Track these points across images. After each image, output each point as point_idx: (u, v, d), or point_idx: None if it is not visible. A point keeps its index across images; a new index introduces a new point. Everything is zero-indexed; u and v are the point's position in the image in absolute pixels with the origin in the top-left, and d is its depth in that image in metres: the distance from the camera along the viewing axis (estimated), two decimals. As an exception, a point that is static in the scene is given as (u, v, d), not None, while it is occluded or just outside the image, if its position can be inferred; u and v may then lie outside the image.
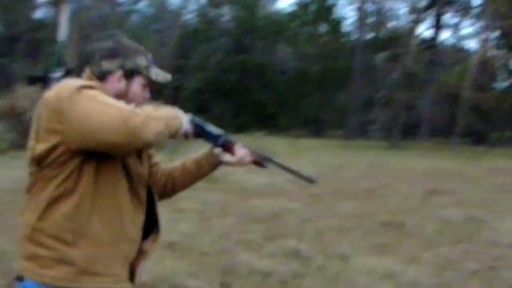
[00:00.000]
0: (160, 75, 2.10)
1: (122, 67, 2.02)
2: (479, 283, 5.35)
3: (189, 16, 38.28)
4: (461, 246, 6.73)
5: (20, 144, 13.81)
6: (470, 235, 7.35)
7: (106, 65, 2.01)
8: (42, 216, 1.89)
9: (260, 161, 2.24)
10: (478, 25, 33.82)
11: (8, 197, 7.66)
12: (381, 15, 37.24)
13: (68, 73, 19.92)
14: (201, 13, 36.81)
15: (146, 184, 2.12)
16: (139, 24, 37.47)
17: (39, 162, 1.89)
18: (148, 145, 1.88)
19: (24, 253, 1.94)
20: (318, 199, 9.75)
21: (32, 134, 1.93)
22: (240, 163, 2.21)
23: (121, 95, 1.96)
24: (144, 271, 2.17)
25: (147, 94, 2.10)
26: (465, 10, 35.55)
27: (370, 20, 38.04)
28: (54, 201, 1.88)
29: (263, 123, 29.45)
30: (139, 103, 1.99)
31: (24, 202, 1.99)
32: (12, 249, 5.08)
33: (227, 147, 2.18)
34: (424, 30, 33.67)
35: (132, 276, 2.10)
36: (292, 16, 37.72)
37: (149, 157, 2.25)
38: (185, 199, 7.17)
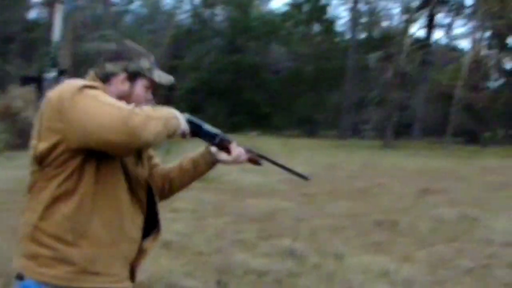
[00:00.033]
0: (163, 77, 2.13)
1: (125, 69, 2.04)
2: (473, 281, 5.38)
3: (183, 16, 38.24)
4: (455, 244, 6.77)
5: (14, 144, 13.80)
6: (463, 233, 7.39)
7: (110, 67, 2.04)
8: (43, 215, 1.91)
9: (255, 159, 2.28)
10: (470, 25, 34.00)
11: (3, 197, 7.66)
12: (374, 15, 37.31)
13: (62, 74, 19.90)
14: (195, 13, 36.78)
15: (145, 185, 2.14)
16: (133, 24, 37.39)
17: (40, 161, 1.91)
18: (148, 144, 1.90)
19: (25, 252, 1.95)
20: (312, 198, 9.79)
21: (34, 133, 1.95)
22: (236, 161, 2.24)
23: (124, 97, 1.98)
24: (140, 271, 2.19)
25: (149, 96, 2.12)
26: (457, 10, 35.72)
27: (363, 20, 38.11)
28: (55, 201, 1.90)
29: (256, 123, 29.50)
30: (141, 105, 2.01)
31: (23, 202, 2.00)
32: (8, 249, 5.07)
33: (223, 146, 2.21)
34: (417, 30, 33.84)
35: (132, 275, 2.12)
36: (285, 16, 37.72)
37: (150, 158, 2.27)
38: (180, 199, 7.16)
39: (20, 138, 14.14)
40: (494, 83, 33.08)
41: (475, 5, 31.12)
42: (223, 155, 2.24)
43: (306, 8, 38.09)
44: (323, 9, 38.16)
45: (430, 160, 18.20)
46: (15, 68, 27.54)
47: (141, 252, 2.13)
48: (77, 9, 25.13)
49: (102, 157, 1.89)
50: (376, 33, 37.57)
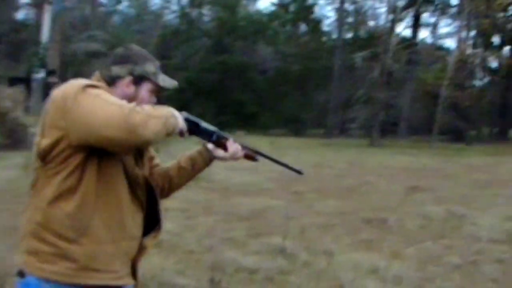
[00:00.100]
0: (167, 81, 2.17)
1: (131, 73, 2.08)
2: (462, 277, 5.45)
3: (170, 16, 38.22)
4: (443, 241, 6.84)
5: (3, 145, 13.73)
6: (451, 230, 7.47)
7: (116, 70, 2.08)
8: (45, 213, 1.93)
9: (251, 155, 2.33)
10: (455, 24, 34.28)
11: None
12: (361, 15, 37.47)
13: (50, 74, 19.83)
14: (182, 14, 36.70)
15: (144, 184, 2.16)
16: (121, 24, 37.32)
17: (43, 157, 1.94)
18: (147, 142, 1.93)
19: (26, 248, 1.98)
20: (301, 197, 9.83)
21: (38, 130, 1.97)
22: (233, 158, 2.29)
23: (129, 100, 2.01)
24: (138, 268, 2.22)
25: (154, 99, 2.16)
26: (443, 9, 35.98)
27: (349, 19, 38.27)
28: (57, 198, 1.93)
29: (244, 123, 29.47)
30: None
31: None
32: (1, 249, 5.06)
33: (220, 143, 2.26)
34: (403, 29, 34.04)
35: (134, 272, 2.15)
36: (272, 16, 37.77)
37: (151, 159, 2.31)
38: (170, 198, 7.18)
39: (9, 138, 14.07)
40: (480, 81, 33.37)
41: (460, 5, 31.35)
42: (220, 152, 2.30)
43: (292, 8, 38.19)
44: (309, 9, 38.28)
45: (416, 158, 18.32)
46: (3, 69, 27.36)
47: (141, 249, 2.16)
48: (65, 10, 25.04)
49: (103, 155, 1.92)
50: (362, 32, 37.77)
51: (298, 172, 2.42)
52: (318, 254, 5.99)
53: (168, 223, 6.89)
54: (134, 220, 2.09)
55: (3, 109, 14.48)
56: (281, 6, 38.45)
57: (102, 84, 2.03)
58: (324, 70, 35.02)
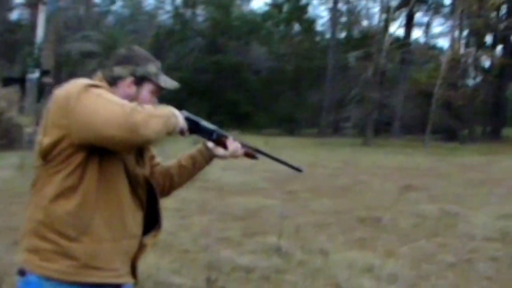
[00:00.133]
0: (168, 82, 2.19)
1: (133, 73, 2.10)
2: (456, 275, 5.48)
3: (164, 16, 38.25)
4: (437, 240, 6.87)
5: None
6: (445, 229, 7.50)
7: (118, 70, 2.10)
8: (46, 211, 1.95)
9: (251, 153, 2.35)
10: (448, 23, 34.39)
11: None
12: (354, 15, 37.56)
13: (45, 74, 19.79)
14: (176, 14, 36.72)
15: (144, 183, 2.18)
16: (115, 25, 37.30)
17: (44, 155, 1.95)
18: (148, 142, 1.94)
19: (27, 246, 1.99)
20: (295, 196, 9.85)
21: (40, 129, 1.99)
22: (233, 156, 2.32)
23: (130, 100, 2.02)
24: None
25: (155, 100, 2.17)
26: (436, 9, 36.12)
27: (343, 19, 38.35)
28: (58, 197, 1.94)
29: (237, 122, 29.47)
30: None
31: (29, 197, 2.03)
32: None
33: (220, 141, 2.28)
34: (396, 29, 34.12)
35: (134, 271, 2.17)
36: (266, 16, 37.83)
37: (152, 158, 2.33)
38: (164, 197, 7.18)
39: (4, 138, 14.05)
40: (473, 81, 33.50)
41: (453, 4, 31.47)
42: (220, 150, 2.32)
43: (286, 8, 38.25)
44: (303, 8, 38.36)
45: (410, 157, 18.38)
46: (-3, 69, 27.29)
47: (141, 248, 2.18)
48: (59, 10, 25.00)
49: (104, 154, 1.94)
50: (356, 32, 37.90)
51: (298, 169, 2.44)
52: (313, 253, 6.01)
53: (163, 222, 6.91)
54: (135, 219, 2.10)
55: (-3, 109, 14.48)
56: (275, 6, 38.52)
57: (104, 84, 2.05)
58: (317, 69, 35.10)
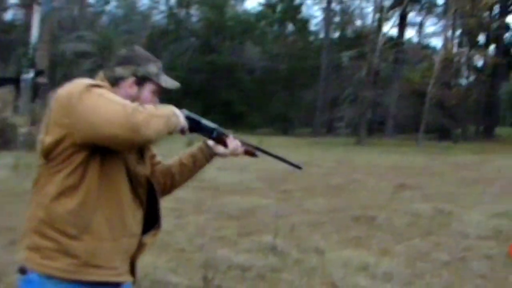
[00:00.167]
0: (169, 82, 2.21)
1: (134, 74, 2.12)
2: (450, 273, 5.52)
3: (158, 16, 38.24)
4: (431, 238, 6.91)
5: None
6: (439, 227, 7.54)
7: (119, 71, 2.12)
8: (48, 209, 1.96)
9: (251, 151, 2.38)
10: (441, 23, 34.52)
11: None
12: (347, 14, 37.65)
13: (39, 74, 19.74)
14: (170, 14, 36.72)
15: (145, 182, 2.20)
16: (109, 25, 37.21)
17: (46, 154, 1.97)
18: (149, 141, 1.96)
19: (28, 244, 2.00)
20: (290, 195, 9.87)
21: (42, 128, 2.01)
22: (233, 154, 2.35)
23: (132, 100, 2.04)
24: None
25: (156, 100, 2.19)
26: (429, 8, 36.24)
27: (336, 19, 38.43)
28: (59, 196, 1.96)
29: (231, 122, 29.47)
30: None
31: (30, 195, 2.05)
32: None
33: (221, 140, 2.31)
34: (390, 28, 34.23)
35: (133, 269, 2.19)
36: (259, 16, 37.87)
37: (152, 157, 2.35)
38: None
39: (-1, 138, 14.03)
40: (465, 80, 33.65)
41: (446, 4, 31.58)
42: (220, 149, 2.35)
43: (280, 8, 38.30)
44: (297, 8, 38.43)
45: (404, 156, 18.44)
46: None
47: (140, 247, 2.20)
48: (54, 11, 24.94)
49: (106, 153, 1.96)
50: (349, 32, 37.99)
51: (298, 166, 2.49)
52: (309, 252, 6.04)
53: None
54: (135, 217, 2.12)
55: (-9, 109, 14.45)
56: (269, 6, 38.57)
57: (106, 84, 2.06)
58: (311, 69, 35.17)
